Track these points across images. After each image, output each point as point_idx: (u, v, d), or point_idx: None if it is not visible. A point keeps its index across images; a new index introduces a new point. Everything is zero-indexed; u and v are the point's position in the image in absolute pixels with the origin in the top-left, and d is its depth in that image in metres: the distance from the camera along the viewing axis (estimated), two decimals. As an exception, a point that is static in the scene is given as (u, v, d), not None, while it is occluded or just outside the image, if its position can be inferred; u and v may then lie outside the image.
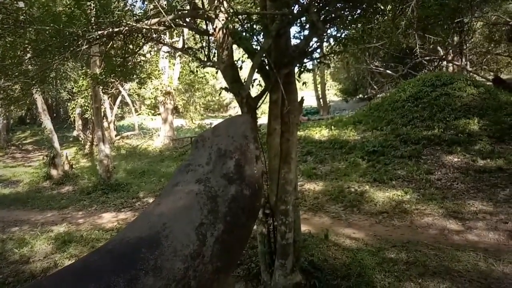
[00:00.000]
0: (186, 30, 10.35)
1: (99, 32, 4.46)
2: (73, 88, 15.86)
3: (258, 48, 4.35)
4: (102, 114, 12.90)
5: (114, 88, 16.25)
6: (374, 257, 4.16)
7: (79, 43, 4.47)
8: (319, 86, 22.96)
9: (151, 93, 16.50)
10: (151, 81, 15.13)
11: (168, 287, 1.25)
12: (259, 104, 4.16)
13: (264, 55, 3.93)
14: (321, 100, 22.73)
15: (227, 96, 32.60)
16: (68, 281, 1.16)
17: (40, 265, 4.85)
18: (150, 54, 12.60)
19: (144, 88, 16.47)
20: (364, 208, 5.96)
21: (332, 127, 10.44)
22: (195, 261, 1.38)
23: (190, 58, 17.12)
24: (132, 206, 7.81)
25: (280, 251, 3.63)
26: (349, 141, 9.09)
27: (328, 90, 25.01)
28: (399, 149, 7.82)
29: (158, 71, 15.74)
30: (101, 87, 11.07)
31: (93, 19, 4.52)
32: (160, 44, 8.04)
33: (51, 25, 4.24)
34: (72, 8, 4.65)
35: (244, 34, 4.42)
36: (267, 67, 4.13)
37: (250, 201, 1.75)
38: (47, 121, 10.84)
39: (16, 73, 5.08)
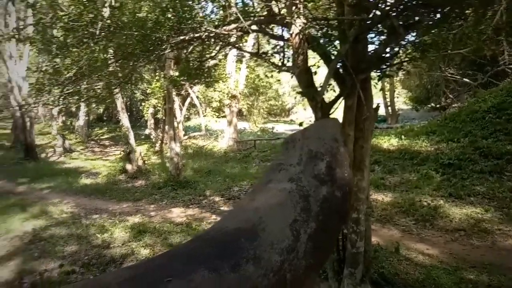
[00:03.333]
0: (252, 35, 10.62)
1: (181, 37, 4.77)
2: (146, 89, 16.98)
3: (335, 53, 4.35)
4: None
5: (184, 90, 17.09)
6: (451, 276, 3.92)
7: (163, 47, 4.81)
8: (387, 93, 22.13)
9: (218, 96, 17.10)
10: (218, 85, 15.71)
11: (266, 276, 1.32)
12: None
13: (341, 60, 3.92)
14: (389, 108, 21.89)
15: (290, 101, 32.69)
16: (178, 262, 1.28)
17: (119, 251, 5.27)
18: (218, 58, 13.09)
19: (212, 91, 17.15)
20: (438, 224, 5.63)
21: (402, 137, 10.01)
22: (290, 255, 1.44)
23: (256, 63, 17.48)
24: (200, 203, 8.16)
25: (349, 259, 3.58)
26: (421, 152, 8.65)
27: (397, 98, 24.01)
28: (478, 163, 7.27)
29: (225, 75, 16.29)
30: (173, 89, 11.74)
31: (176, 25, 4.84)
32: (233, 49, 8.36)
33: (139, 31, 4.62)
34: (158, 15, 5.02)
35: (321, 39, 4.45)
36: (342, 72, 4.10)
37: (341, 203, 1.78)
38: (125, 119, 11.74)
39: (105, 74, 5.60)
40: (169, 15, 4.89)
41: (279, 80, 20.50)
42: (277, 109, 31.49)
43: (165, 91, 12.82)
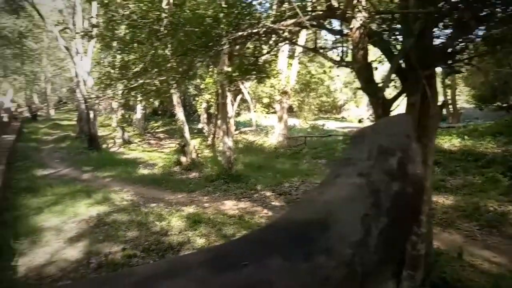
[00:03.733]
0: (305, 30, 10.52)
1: (239, 33, 4.85)
2: (200, 84, 17.47)
3: (397, 48, 4.19)
4: (225, 109, 13.94)
5: (236, 86, 17.36)
6: (522, 286, 3.67)
7: (222, 43, 4.93)
8: (448, 91, 20.89)
9: (269, 91, 17.17)
10: (270, 80, 15.78)
11: (337, 268, 1.32)
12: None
13: (404, 55, 3.78)
14: (450, 106, 20.67)
15: (341, 98, 31.99)
16: (252, 248, 1.32)
17: (176, 238, 5.52)
18: (274, 54, 13.11)
19: (262, 86, 17.26)
20: (507, 231, 5.27)
21: (465, 137, 9.44)
22: (361, 249, 1.43)
23: (308, 59, 17.25)
24: (251, 197, 8.30)
25: (409, 261, 3.47)
26: (486, 153, 8.12)
27: (459, 95, 22.60)
28: (552, 168, 6.70)
29: (277, 70, 16.31)
30: (227, 84, 11.97)
31: (234, 21, 4.92)
32: (290, 44, 8.36)
33: (199, 27, 4.77)
34: (217, 12, 5.13)
35: (383, 33, 4.31)
36: (405, 67, 3.96)
37: (413, 200, 1.73)
38: (180, 113, 12.19)
39: (166, 70, 5.86)
40: (228, 12, 4.98)
41: (330, 76, 20.16)
42: (328, 105, 30.97)
43: (218, 87, 13.14)
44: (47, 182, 9.84)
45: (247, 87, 18.14)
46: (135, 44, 4.88)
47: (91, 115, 16.31)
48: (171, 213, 6.80)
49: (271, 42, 5.45)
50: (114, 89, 6.17)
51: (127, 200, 8.24)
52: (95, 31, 5.95)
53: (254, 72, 6.33)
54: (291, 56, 16.62)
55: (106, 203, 7.89)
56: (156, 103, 27.28)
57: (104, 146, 17.82)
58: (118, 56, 17.60)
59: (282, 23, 4.52)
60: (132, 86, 5.76)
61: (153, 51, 4.91)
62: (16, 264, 5.10)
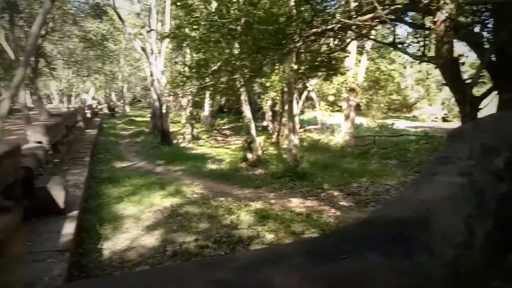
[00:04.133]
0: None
1: (313, 30, 4.81)
2: (266, 82, 17.65)
3: (489, 42, 3.88)
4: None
5: (302, 84, 17.28)
6: None
7: (296, 40, 4.93)
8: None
9: (336, 89, 16.83)
10: (337, 78, 15.45)
11: (440, 268, 1.28)
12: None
13: (497, 49, 3.49)
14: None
15: (413, 95, 30.30)
16: (348, 243, 1.32)
17: (246, 232, 5.66)
18: (348, 50, 12.77)
19: (328, 84, 16.96)
20: None
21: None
22: (464, 250, 1.37)
23: (378, 54, 16.56)
24: (318, 196, 8.23)
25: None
26: None
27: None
28: None
29: (345, 67, 15.92)
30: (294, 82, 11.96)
31: (308, 18, 4.89)
32: (367, 40, 8.12)
33: (273, 25, 4.81)
34: (291, 10, 5.12)
35: (472, 26, 4.02)
36: (497, 62, 3.64)
37: (524, 204, 1.61)
38: (247, 111, 12.44)
39: (239, 68, 6.01)
40: (303, 8, 4.96)
41: (400, 73, 19.20)
42: (398, 104, 29.52)
43: (284, 85, 13.17)
44: (126, 174, 10.59)
45: (312, 84, 18.00)
46: (212, 43, 5.07)
47: (164, 112, 17.27)
48: (240, 207, 6.98)
49: (345, 38, 5.34)
50: (190, 87, 6.49)
51: (197, 193, 8.60)
52: (167, 32, 6.26)
53: (325, 69, 6.25)
54: (360, 52, 16.13)
55: (178, 195, 8.31)
56: (223, 101, 28.14)
57: (174, 141, 18.78)
58: (188, 56, 18.32)
59: (359, 18, 4.40)
60: (206, 84, 6.00)
61: (229, 50, 5.06)
62: (102, 247, 5.58)
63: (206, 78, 5.84)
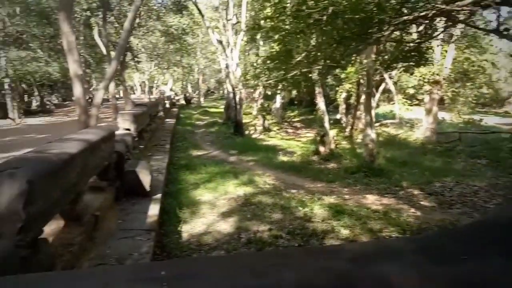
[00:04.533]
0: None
1: (404, 18, 4.49)
2: (340, 74, 17.10)
3: None
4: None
5: (379, 75, 16.47)
6: None
7: (385, 28, 4.65)
8: None
9: (418, 81, 15.74)
10: (419, 69, 14.42)
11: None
12: None
13: None
14: None
15: (506, 89, 27.28)
16: (466, 242, 1.21)
17: (320, 226, 5.57)
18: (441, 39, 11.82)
19: (409, 76, 15.92)
20: None
21: None
22: None
23: (468, 43, 15.10)
24: (396, 194, 7.81)
25: None
26: None
27: None
28: None
29: (430, 58, 14.78)
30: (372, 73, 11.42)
31: (399, 5, 4.57)
32: (466, 26, 7.44)
33: (360, 14, 4.57)
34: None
35: None
36: None
37: None
38: (321, 103, 12.22)
39: (323, 58, 5.85)
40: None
41: (493, 63, 17.33)
42: (488, 98, 26.75)
43: (360, 76, 12.67)
44: (201, 162, 11.04)
45: (392, 76, 17.05)
46: (296, 34, 5.00)
47: (238, 104, 17.68)
48: (313, 200, 6.89)
49: (437, 25, 4.92)
50: (267, 79, 6.51)
51: (269, 184, 8.67)
52: (242, 25, 6.31)
53: (412, 59, 5.84)
54: (446, 41, 14.85)
55: (251, 184, 8.45)
56: (294, 93, 28.01)
57: (246, 132, 19.16)
58: (263, 48, 18.44)
59: (457, 3, 4.01)
60: (285, 76, 5.97)
61: (314, 40, 4.95)
62: (181, 229, 5.89)
63: (287, 70, 5.80)
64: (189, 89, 51.69)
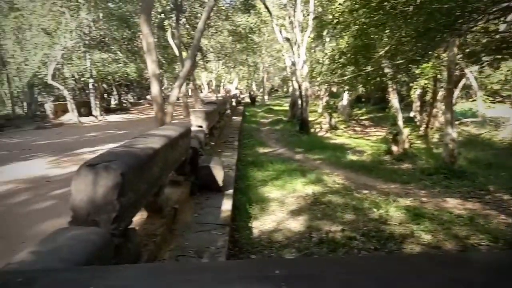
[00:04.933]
0: None
1: (504, 4, 4.02)
2: (416, 69, 16.04)
3: None
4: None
5: (459, 70, 15.20)
6: None
7: (478, 18, 4.21)
8: None
9: (504, 76, 14.28)
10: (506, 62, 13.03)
11: None
12: None
13: None
14: None
15: None
16: None
17: (398, 229, 5.26)
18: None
19: (494, 71, 14.49)
20: None
21: None
22: None
23: None
24: (482, 198, 7.13)
25: None
26: None
27: None
28: None
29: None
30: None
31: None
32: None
33: (449, 3, 4.17)
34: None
35: None
36: None
37: None
38: (394, 100, 11.59)
39: (399, 53, 5.50)
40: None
41: None
42: None
43: (437, 72, 11.78)
44: (268, 159, 11.07)
45: (474, 71, 15.67)
46: (373, 29, 4.75)
47: (304, 101, 17.49)
48: (388, 202, 6.54)
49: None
50: (336, 76, 6.30)
51: (338, 183, 8.43)
52: (310, 22, 6.12)
53: (506, 52, 5.23)
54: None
55: (319, 183, 8.27)
56: (362, 90, 27.02)
57: (312, 130, 18.89)
58: (330, 45, 18.03)
59: None
60: (360, 71, 5.72)
61: (398, 33, 4.66)
62: (251, 225, 5.93)
63: (363, 65, 5.55)
64: (254, 88, 52.39)
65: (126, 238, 2.74)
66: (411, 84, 17.65)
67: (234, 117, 19.62)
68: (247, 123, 21.30)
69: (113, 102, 34.09)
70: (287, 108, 30.01)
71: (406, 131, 11.98)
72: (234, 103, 25.45)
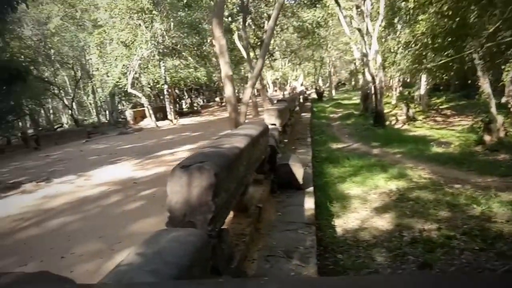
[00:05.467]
0: None
1: None
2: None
3: None
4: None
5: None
6: None
7: None
8: None
9: None
10: None
11: None
12: None
13: None
14: None
15: None
16: None
17: (507, 228, 4.66)
18: None
19: None
20: None
21: None
22: None
23: None
24: None
25: None
26: None
27: None
28: None
29: None
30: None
31: None
32: None
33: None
34: None
35: None
36: None
37: None
38: (486, 85, 10.43)
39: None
40: None
41: None
42: None
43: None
44: (343, 155, 10.68)
45: None
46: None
47: (378, 93, 16.62)
48: (489, 197, 5.86)
49: None
50: (431, 61, 5.77)
51: (424, 178, 7.82)
52: (381, 9, 5.65)
53: None
54: None
55: (403, 178, 7.76)
56: (442, 77, 25.05)
57: (387, 123, 17.91)
58: (404, 32, 16.94)
59: None
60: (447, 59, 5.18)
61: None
62: (334, 224, 5.70)
63: (458, 48, 5.02)
64: (320, 83, 51.43)
65: (220, 239, 2.71)
66: (502, 67, 15.86)
67: (303, 114, 19.35)
68: (317, 119, 20.90)
69: (184, 106, 35.78)
70: (357, 101, 28.97)
71: (500, 118, 10.71)
72: (301, 100, 25.15)
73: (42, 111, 35.55)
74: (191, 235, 2.18)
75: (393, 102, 25.21)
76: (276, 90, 50.91)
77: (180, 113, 29.58)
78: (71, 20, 26.15)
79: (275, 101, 15.44)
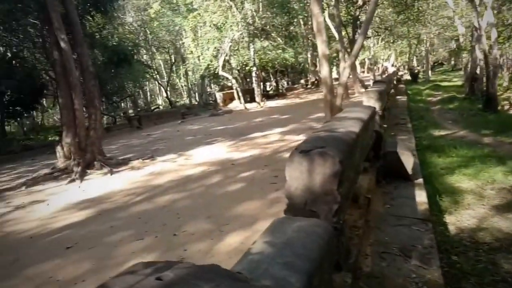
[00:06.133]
0: None
1: None
2: None
3: None
4: None
5: None
6: None
7: None
8: None
9: None
10: None
11: None
12: None
13: None
14: None
15: None
16: None
17: None
18: None
19: None
20: None
21: None
22: None
23: None
24: None
25: None
26: None
27: None
28: None
29: None
30: None
31: None
32: None
33: None
34: None
35: None
36: None
37: None
38: None
39: None
40: None
41: None
42: None
43: None
44: (448, 143, 9.65)
45: None
46: None
47: (492, 73, 14.62)
48: None
49: None
50: None
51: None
52: None
53: None
54: None
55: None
56: None
57: (498, 107, 15.80)
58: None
59: None
60: None
61: None
62: (445, 221, 5.10)
63: None
64: (414, 63, 47.52)
65: (341, 232, 2.49)
66: None
67: (398, 97, 18.00)
68: (413, 102, 19.31)
69: (268, 88, 35.92)
70: (459, 83, 26.15)
71: None
72: (395, 81, 23.46)
73: (141, 93, 38.72)
74: (316, 226, 1.98)
75: (505, 84, 22.17)
76: (363, 71, 48.42)
77: (266, 96, 29.77)
78: (167, 5, 27.59)
79: (367, 83, 14.53)
